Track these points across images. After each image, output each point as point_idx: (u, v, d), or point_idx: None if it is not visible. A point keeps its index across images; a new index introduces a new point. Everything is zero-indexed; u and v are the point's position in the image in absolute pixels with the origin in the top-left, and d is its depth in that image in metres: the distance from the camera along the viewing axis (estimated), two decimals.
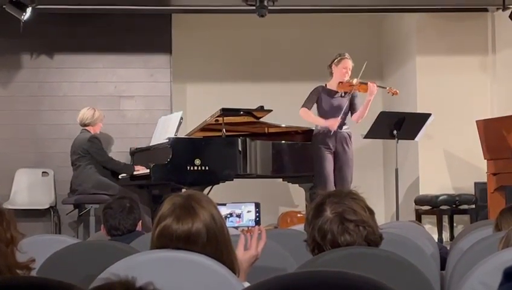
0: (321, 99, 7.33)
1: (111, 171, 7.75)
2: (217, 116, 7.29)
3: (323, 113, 7.31)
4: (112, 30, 8.75)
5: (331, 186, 7.05)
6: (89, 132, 7.83)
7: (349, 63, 7.31)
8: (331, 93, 7.35)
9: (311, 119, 7.41)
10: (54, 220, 8.31)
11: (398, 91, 7.47)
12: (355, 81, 7.28)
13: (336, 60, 7.35)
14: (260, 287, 1.80)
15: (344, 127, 7.32)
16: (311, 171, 7.56)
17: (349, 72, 7.31)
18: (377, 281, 1.76)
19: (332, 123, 7.17)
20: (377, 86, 7.33)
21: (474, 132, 7.99)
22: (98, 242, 3.76)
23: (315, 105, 7.39)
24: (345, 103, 7.29)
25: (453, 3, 8.57)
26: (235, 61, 9.56)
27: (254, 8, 7.97)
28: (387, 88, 7.56)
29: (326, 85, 7.42)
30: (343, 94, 7.34)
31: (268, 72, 9.58)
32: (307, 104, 7.34)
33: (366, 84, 7.32)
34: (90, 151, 7.67)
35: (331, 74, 7.37)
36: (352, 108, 7.37)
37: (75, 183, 7.73)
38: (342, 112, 7.22)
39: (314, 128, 7.43)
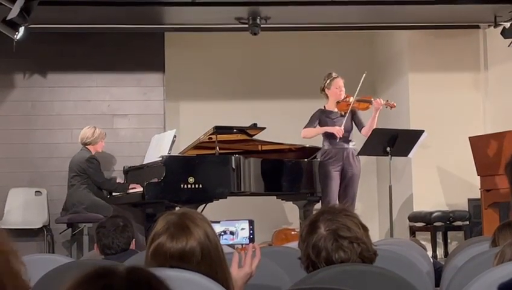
0: (322, 122, 7.42)
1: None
2: (210, 134, 7.29)
3: (327, 135, 7.36)
4: (105, 49, 8.76)
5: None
6: (89, 151, 7.84)
7: (340, 81, 7.40)
8: (331, 115, 7.43)
9: (314, 133, 7.45)
10: (47, 240, 8.28)
11: (395, 104, 7.51)
12: (351, 99, 7.35)
13: (326, 83, 7.43)
14: None
15: (351, 144, 7.39)
16: (305, 189, 7.59)
17: (343, 89, 7.39)
18: None
19: (338, 130, 7.23)
20: (383, 103, 7.37)
21: (467, 148, 8.00)
22: (92, 261, 3.75)
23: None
24: (347, 121, 7.35)
25: (444, 20, 8.61)
26: (228, 79, 9.57)
27: (247, 26, 8.00)
28: (385, 102, 7.56)
29: (325, 107, 7.50)
30: (342, 113, 7.40)
31: (261, 90, 9.60)
32: (308, 126, 7.42)
33: (365, 102, 7.41)
34: (88, 171, 7.68)
35: (327, 96, 7.46)
36: (357, 124, 7.46)
37: (69, 203, 7.72)
38: (343, 126, 7.28)
39: (321, 146, 7.47)
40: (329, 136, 7.38)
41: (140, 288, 1.38)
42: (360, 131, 7.52)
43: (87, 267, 1.42)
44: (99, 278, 1.39)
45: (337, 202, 7.18)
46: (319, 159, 7.54)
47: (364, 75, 7.26)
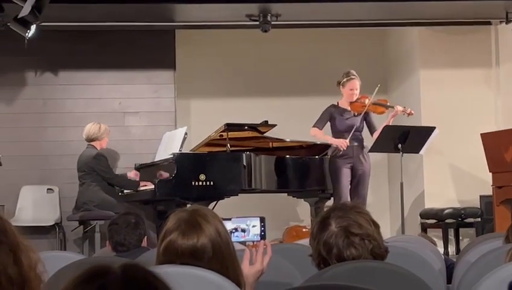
0: (334, 119, 7.43)
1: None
2: (221, 132, 7.29)
3: (337, 132, 7.38)
4: (116, 47, 8.77)
5: (347, 199, 7.14)
6: (95, 147, 7.84)
7: (355, 84, 7.36)
8: (344, 112, 7.43)
9: (321, 138, 7.50)
10: (59, 237, 8.31)
11: (413, 112, 7.50)
12: (367, 101, 7.35)
13: (343, 81, 7.40)
14: None
15: (360, 142, 7.39)
16: (316, 186, 7.59)
17: (357, 92, 7.38)
18: None
19: (342, 143, 7.22)
20: (401, 110, 7.38)
21: (479, 145, 7.97)
22: (104, 258, 3.76)
23: (328, 123, 7.46)
24: (358, 121, 7.35)
25: (455, 17, 8.58)
26: (239, 77, 9.57)
27: (258, 23, 8.00)
28: (402, 109, 7.50)
29: (338, 103, 7.50)
30: (355, 114, 7.40)
31: (272, 87, 9.59)
32: (317, 124, 7.42)
33: (382, 106, 7.42)
34: (96, 169, 7.68)
35: (341, 92, 7.47)
36: (368, 126, 7.47)
37: (80, 201, 7.74)
38: (352, 132, 7.27)
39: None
40: (338, 135, 7.37)
41: (136, 286, 1.37)
42: (371, 134, 7.51)
43: (83, 267, 1.41)
44: (95, 278, 1.38)
45: (349, 198, 7.19)
46: (329, 156, 7.54)
47: (377, 87, 7.27)
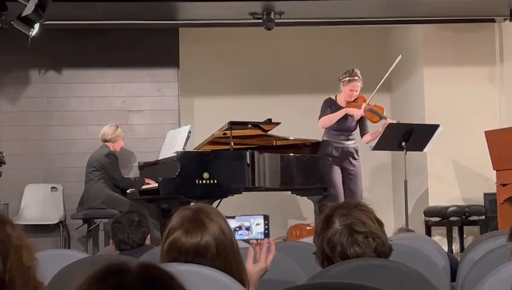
0: (331, 113, 7.38)
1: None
2: (225, 130, 7.29)
3: (333, 130, 7.36)
4: (119, 45, 8.78)
5: (342, 195, 7.12)
6: (108, 147, 7.93)
7: (357, 86, 7.34)
8: (339, 110, 7.39)
9: (334, 118, 7.32)
10: (63, 235, 8.32)
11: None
12: (363, 106, 7.33)
13: (345, 80, 7.36)
14: None
15: (351, 142, 7.37)
16: (320, 184, 7.57)
17: (356, 93, 7.37)
18: None
19: (357, 112, 7.21)
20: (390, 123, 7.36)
21: (483, 142, 7.96)
22: (107, 257, 3.76)
23: None
24: (352, 121, 7.34)
25: (459, 14, 8.57)
26: (243, 75, 9.57)
27: (261, 21, 8.00)
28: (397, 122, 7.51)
29: (336, 98, 7.47)
30: (350, 115, 7.39)
31: (276, 85, 9.59)
32: (323, 115, 7.38)
33: (378, 115, 7.38)
34: (106, 166, 7.75)
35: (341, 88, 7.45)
36: (361, 128, 7.45)
37: (85, 198, 7.77)
38: (354, 123, 7.28)
39: (320, 140, 7.48)
40: (334, 132, 7.34)
41: (153, 285, 1.38)
42: (361, 135, 7.48)
43: (99, 265, 1.41)
44: (112, 276, 1.39)
45: (343, 194, 7.19)
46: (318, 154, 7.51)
47: (400, 56, 7.26)
